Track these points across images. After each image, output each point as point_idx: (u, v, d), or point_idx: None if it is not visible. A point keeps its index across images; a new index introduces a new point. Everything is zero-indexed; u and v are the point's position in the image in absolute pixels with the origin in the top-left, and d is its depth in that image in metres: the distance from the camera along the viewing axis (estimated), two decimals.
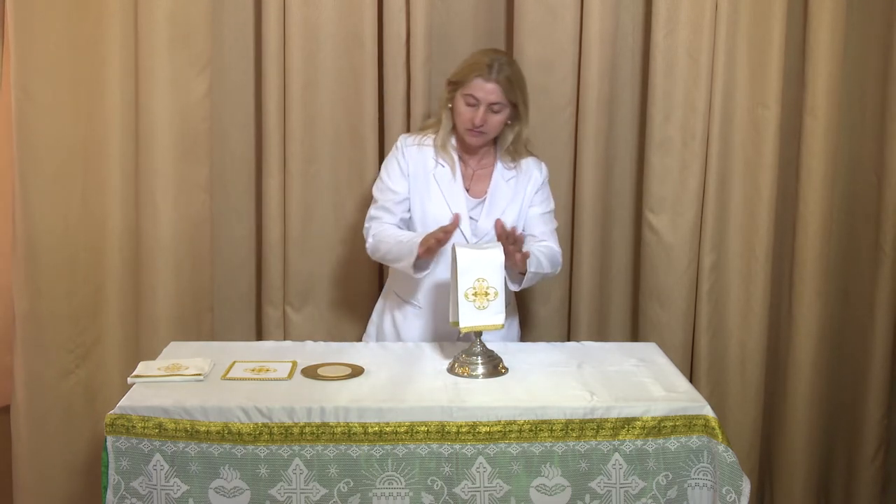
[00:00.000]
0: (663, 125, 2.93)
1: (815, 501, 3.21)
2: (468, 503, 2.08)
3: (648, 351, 2.51)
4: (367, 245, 2.59)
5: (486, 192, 2.59)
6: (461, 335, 2.43)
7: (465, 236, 2.55)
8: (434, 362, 2.38)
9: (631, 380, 2.27)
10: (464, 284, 2.26)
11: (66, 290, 2.80)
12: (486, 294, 2.28)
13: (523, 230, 2.60)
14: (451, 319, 2.33)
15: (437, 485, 2.08)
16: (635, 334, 3.13)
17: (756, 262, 3.01)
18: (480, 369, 2.28)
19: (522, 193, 2.61)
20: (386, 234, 2.54)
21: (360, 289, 3.06)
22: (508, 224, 2.44)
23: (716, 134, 2.93)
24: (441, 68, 2.92)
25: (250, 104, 3.00)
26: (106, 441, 2.07)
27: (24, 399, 2.79)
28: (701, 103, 2.90)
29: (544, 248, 2.56)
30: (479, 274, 2.27)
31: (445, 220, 2.45)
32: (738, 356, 3.07)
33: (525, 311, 3.04)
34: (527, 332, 3.03)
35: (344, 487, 2.07)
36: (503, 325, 2.31)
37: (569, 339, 3.02)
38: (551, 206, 2.68)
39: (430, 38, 2.88)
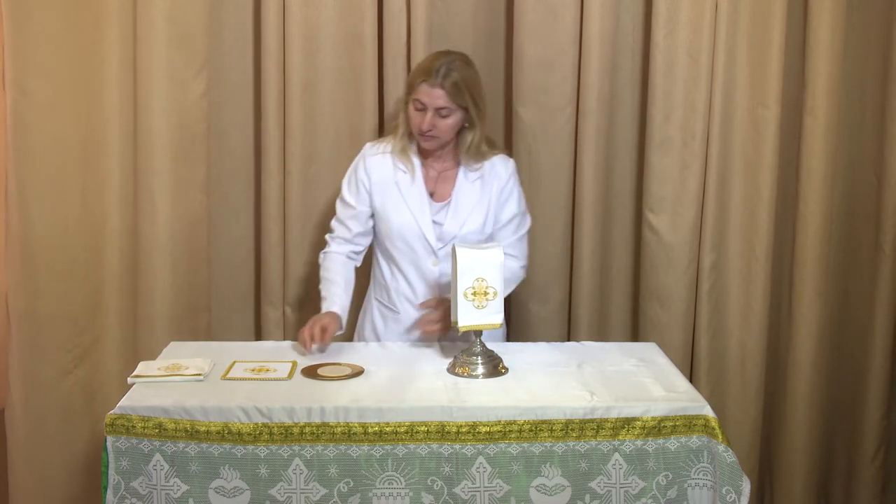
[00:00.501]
0: (663, 125, 2.93)
1: (814, 501, 3.21)
2: (468, 503, 2.08)
3: (648, 351, 2.51)
4: (320, 258, 2.64)
5: (450, 195, 2.58)
6: (458, 336, 2.43)
7: (428, 241, 2.55)
8: (434, 362, 2.38)
9: (631, 380, 2.27)
10: (463, 284, 2.26)
11: (65, 290, 2.80)
12: (486, 293, 2.28)
13: (490, 237, 2.60)
14: (451, 319, 2.34)
15: (437, 485, 2.08)
16: (635, 334, 3.13)
17: (756, 262, 3.01)
18: (480, 369, 2.28)
19: (489, 194, 2.57)
20: (325, 271, 2.58)
21: (360, 288, 3.06)
22: (476, 226, 2.54)
23: (716, 134, 2.93)
24: None
25: (249, 104, 3.00)
26: (106, 441, 2.07)
27: (22, 400, 2.79)
28: (701, 103, 2.90)
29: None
30: (479, 273, 2.27)
31: (409, 228, 2.54)
32: (738, 356, 3.07)
33: (525, 311, 3.04)
34: (527, 332, 3.03)
35: (344, 487, 2.07)
36: (502, 325, 2.31)
37: (569, 339, 3.02)
38: (521, 206, 2.62)
39: (430, 39, 2.87)
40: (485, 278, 2.28)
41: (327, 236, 2.65)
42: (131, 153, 2.83)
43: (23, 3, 2.64)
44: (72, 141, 2.76)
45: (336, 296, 2.51)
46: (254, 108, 3.00)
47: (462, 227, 2.55)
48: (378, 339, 2.66)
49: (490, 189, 2.58)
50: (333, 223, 2.65)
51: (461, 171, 2.58)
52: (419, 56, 2.85)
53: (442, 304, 2.49)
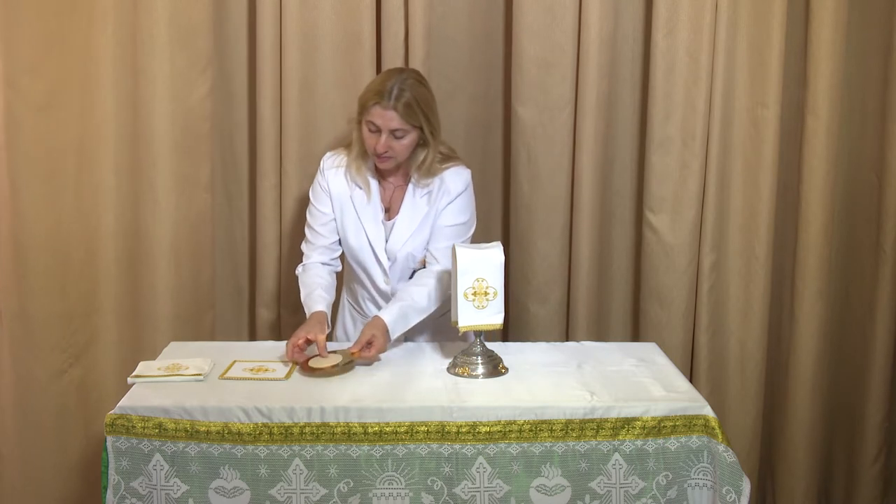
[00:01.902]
0: (663, 125, 2.93)
1: (816, 503, 3.21)
2: (468, 503, 2.08)
3: (648, 351, 2.51)
4: (297, 270, 2.59)
5: (398, 213, 2.55)
6: (461, 334, 2.43)
7: (380, 262, 2.54)
8: (434, 362, 2.38)
9: (631, 380, 2.27)
10: (463, 284, 2.26)
11: (59, 289, 2.79)
12: (486, 294, 2.28)
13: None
14: (452, 319, 2.34)
15: (437, 485, 2.08)
16: (635, 334, 3.13)
17: (756, 261, 3.01)
18: (480, 369, 2.28)
19: (436, 209, 2.52)
20: (306, 278, 2.53)
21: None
22: (420, 243, 2.51)
23: (716, 134, 2.92)
24: (439, 68, 2.93)
25: (245, 104, 2.99)
26: (106, 441, 2.07)
27: (14, 400, 2.78)
28: (701, 103, 2.90)
29: (420, 290, 2.46)
30: (479, 274, 2.27)
31: (361, 246, 2.53)
32: (738, 356, 3.07)
33: (524, 311, 3.04)
34: (526, 332, 3.03)
35: (344, 487, 2.07)
36: (502, 325, 2.31)
37: (568, 339, 3.02)
38: (463, 218, 2.54)
39: (428, 38, 2.87)
40: (485, 278, 2.27)
41: (303, 247, 2.61)
42: (128, 152, 2.82)
43: (25, 4, 2.63)
44: (65, 139, 2.76)
45: (319, 297, 2.46)
46: (249, 108, 2.99)
47: (405, 245, 2.53)
48: (348, 339, 2.66)
49: (437, 205, 2.52)
50: (307, 233, 2.60)
51: (410, 187, 2.54)
52: (417, 56, 2.85)
53: (369, 338, 2.36)
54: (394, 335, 2.39)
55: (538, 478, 2.09)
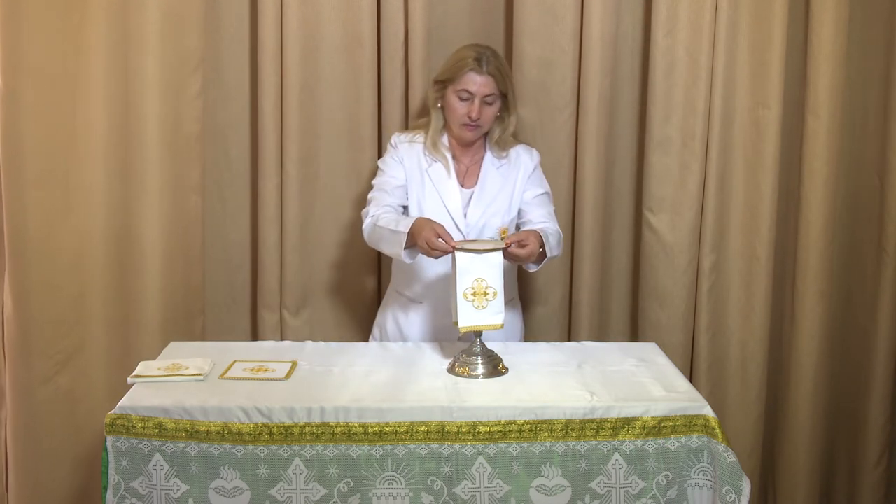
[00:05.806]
0: (663, 125, 2.93)
1: None
2: (468, 503, 2.08)
3: (648, 351, 2.51)
4: (364, 226, 2.54)
5: (475, 183, 2.62)
6: (461, 334, 2.43)
7: (459, 229, 2.56)
8: (434, 362, 2.38)
9: (631, 380, 2.27)
10: (463, 284, 2.27)
11: (49, 293, 2.76)
12: (485, 294, 2.28)
13: (518, 217, 2.64)
14: (452, 319, 2.33)
15: (437, 485, 2.08)
16: (635, 334, 3.13)
17: (757, 262, 3.00)
18: (480, 369, 2.28)
19: (513, 182, 2.63)
20: (384, 219, 2.47)
21: (359, 292, 3.05)
22: (501, 210, 2.58)
23: (716, 134, 2.92)
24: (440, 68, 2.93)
25: (246, 104, 2.99)
26: (106, 441, 2.07)
27: (12, 404, 2.77)
28: (701, 103, 2.90)
29: (550, 231, 2.55)
30: (478, 274, 2.27)
31: (441, 215, 2.52)
32: (739, 357, 3.06)
33: (525, 311, 3.04)
34: (527, 332, 3.03)
35: (344, 487, 2.07)
36: (502, 325, 2.31)
37: (569, 339, 3.02)
38: (545, 188, 2.69)
39: (428, 38, 2.87)
40: (484, 279, 2.28)
41: (365, 211, 2.55)
42: (120, 155, 2.79)
43: (16, 4, 2.62)
44: (58, 143, 2.73)
45: (406, 216, 2.51)
46: (250, 109, 2.99)
47: (485, 212, 2.59)
48: (401, 333, 2.66)
49: (515, 176, 2.64)
50: (374, 197, 2.56)
51: (487, 159, 2.64)
52: (417, 56, 2.85)
53: (524, 239, 2.37)
54: (547, 249, 2.42)
55: (538, 478, 2.09)
